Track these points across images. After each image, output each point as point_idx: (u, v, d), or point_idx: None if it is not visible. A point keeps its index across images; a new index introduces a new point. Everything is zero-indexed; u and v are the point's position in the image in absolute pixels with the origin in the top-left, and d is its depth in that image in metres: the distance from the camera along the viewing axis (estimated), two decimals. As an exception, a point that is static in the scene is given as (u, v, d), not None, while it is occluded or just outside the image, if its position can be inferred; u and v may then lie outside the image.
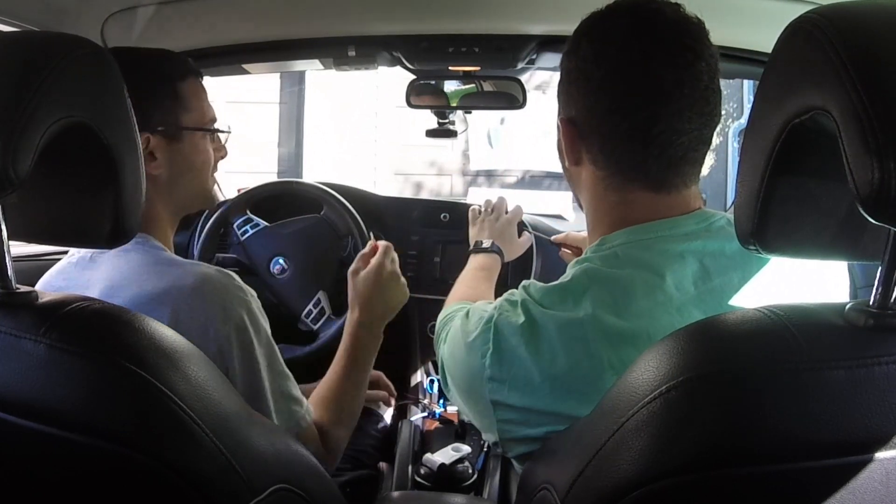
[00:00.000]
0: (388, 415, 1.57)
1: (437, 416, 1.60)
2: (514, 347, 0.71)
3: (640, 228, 0.75)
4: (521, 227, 1.56)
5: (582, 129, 0.76)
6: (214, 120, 1.02)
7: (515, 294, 0.76)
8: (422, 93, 1.55)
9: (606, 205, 0.78)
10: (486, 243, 1.32)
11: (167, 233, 0.99)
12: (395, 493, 1.33)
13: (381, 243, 1.18)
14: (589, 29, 0.76)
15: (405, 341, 1.72)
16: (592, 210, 0.81)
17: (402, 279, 1.17)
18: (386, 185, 5.87)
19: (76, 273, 0.93)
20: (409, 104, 1.55)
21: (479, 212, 1.42)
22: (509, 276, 1.66)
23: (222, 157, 1.06)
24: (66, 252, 1.01)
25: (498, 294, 0.84)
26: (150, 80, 0.93)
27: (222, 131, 1.04)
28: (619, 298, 0.70)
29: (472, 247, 1.35)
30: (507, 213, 1.41)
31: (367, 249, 1.18)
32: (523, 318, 0.72)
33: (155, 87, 0.94)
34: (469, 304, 0.87)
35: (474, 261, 1.30)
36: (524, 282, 0.77)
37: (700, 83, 0.72)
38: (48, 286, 0.93)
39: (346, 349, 1.11)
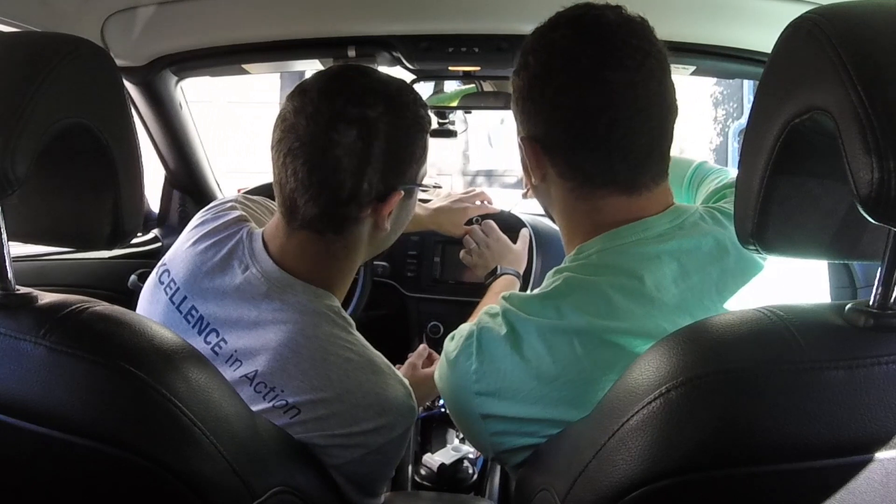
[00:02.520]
0: None
1: (438, 416, 1.60)
2: (500, 358, 0.71)
3: (615, 234, 0.75)
4: (519, 225, 1.55)
5: (544, 145, 0.76)
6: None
7: (495, 307, 0.76)
8: (421, 93, 1.55)
9: (579, 214, 0.78)
10: (497, 270, 1.31)
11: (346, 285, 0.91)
12: (395, 493, 1.33)
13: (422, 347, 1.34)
14: (534, 45, 0.76)
15: (405, 341, 1.72)
16: (566, 222, 0.81)
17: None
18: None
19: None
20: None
21: (470, 253, 1.37)
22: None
23: None
24: (65, 252, 0.97)
25: None
26: (414, 131, 0.85)
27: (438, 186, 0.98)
28: (600, 302, 0.70)
29: (485, 281, 1.33)
30: (485, 234, 1.37)
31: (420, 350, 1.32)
32: (506, 328, 0.72)
33: (416, 139, 0.85)
34: None
35: (491, 290, 1.28)
36: (503, 293, 0.77)
37: (653, 80, 0.72)
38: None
39: None
